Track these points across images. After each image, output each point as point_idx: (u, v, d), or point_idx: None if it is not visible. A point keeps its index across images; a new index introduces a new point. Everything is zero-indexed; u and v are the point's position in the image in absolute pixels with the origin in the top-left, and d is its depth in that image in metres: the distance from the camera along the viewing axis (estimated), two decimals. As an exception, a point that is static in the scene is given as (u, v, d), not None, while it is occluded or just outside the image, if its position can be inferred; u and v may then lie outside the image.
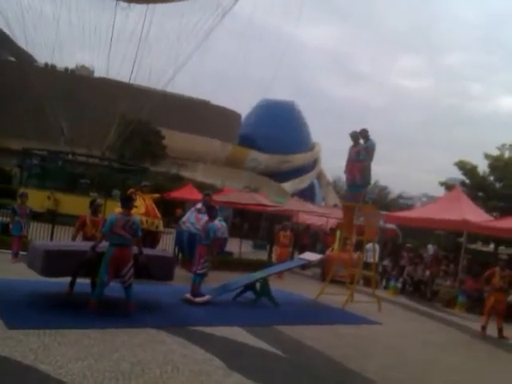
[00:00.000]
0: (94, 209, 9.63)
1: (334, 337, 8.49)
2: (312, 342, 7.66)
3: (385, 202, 56.69)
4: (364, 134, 12.15)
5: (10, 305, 7.35)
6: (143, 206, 11.81)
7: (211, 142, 59.83)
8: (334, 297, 11.64)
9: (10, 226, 11.83)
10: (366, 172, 11.91)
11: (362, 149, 11.97)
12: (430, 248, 21.33)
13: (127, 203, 7.92)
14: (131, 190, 12.19)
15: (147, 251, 8.36)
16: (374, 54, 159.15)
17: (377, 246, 14.94)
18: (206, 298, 9.45)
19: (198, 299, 9.30)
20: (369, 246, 14.71)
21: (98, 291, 7.62)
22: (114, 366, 5.42)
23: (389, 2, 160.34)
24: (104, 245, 7.69)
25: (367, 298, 12.50)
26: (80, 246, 8.24)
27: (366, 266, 14.67)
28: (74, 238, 9.47)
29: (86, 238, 9.25)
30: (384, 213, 20.32)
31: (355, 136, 12.26)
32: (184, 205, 27.53)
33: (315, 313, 10.39)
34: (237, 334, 7.51)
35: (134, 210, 11.49)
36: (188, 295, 9.42)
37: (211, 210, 10.17)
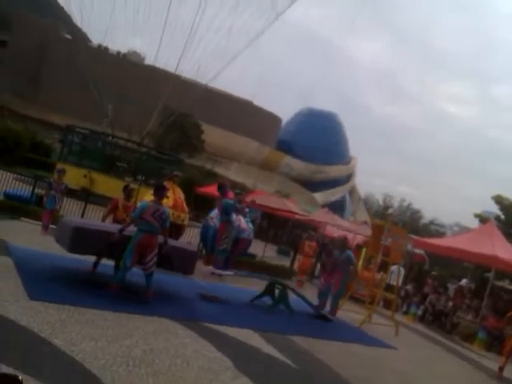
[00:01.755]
0: (127, 194, 9.78)
1: (347, 355, 8.38)
2: (323, 357, 7.57)
3: (416, 225, 55.70)
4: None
5: (33, 276, 7.49)
6: (172, 198, 11.87)
7: (248, 143, 60.07)
8: (352, 314, 11.51)
9: (45, 198, 12.06)
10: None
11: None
12: (464, 281, 20.76)
13: (160, 192, 8.02)
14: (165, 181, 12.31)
15: (172, 242, 8.41)
16: (422, 75, 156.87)
17: (402, 270, 14.71)
18: (227, 272, 9.61)
19: (218, 271, 9.42)
20: (394, 268, 14.49)
21: (120, 274, 7.71)
22: (126, 351, 5.47)
23: (444, 24, 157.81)
24: (131, 229, 7.79)
25: (385, 321, 12.30)
26: (108, 228, 8.33)
27: (389, 287, 14.45)
28: (104, 219, 9.61)
29: (116, 221, 9.40)
30: (414, 237, 19.98)
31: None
32: (214, 201, 27.68)
33: (330, 327, 10.27)
34: (250, 337, 7.48)
35: (164, 201, 11.70)
36: (211, 267, 9.51)
37: (222, 189, 10.25)
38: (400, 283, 14.63)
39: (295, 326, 9.28)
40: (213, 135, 52.01)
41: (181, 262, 8.46)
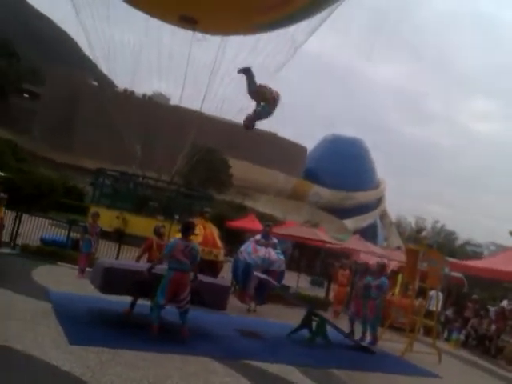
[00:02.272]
0: (158, 233, 9.93)
1: (390, 386, 8.18)
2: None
3: (451, 247, 54.45)
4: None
5: (72, 320, 7.59)
6: (201, 235, 11.82)
7: (275, 175, 60.32)
8: (392, 344, 11.25)
9: (80, 242, 12.30)
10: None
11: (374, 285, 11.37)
12: (505, 303, 20.07)
13: (187, 230, 8.09)
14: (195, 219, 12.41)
15: (202, 277, 8.40)
16: (444, 95, 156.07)
17: (440, 294, 14.36)
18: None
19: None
20: (432, 293, 14.16)
21: (154, 314, 7.75)
22: (167, 393, 5.48)
23: (461, 43, 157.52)
24: (161, 267, 7.88)
25: (427, 349, 11.97)
26: (139, 267, 8.40)
27: (428, 314, 14.08)
28: (138, 259, 9.70)
29: (150, 261, 9.50)
30: (450, 259, 19.54)
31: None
32: (244, 235, 27.73)
33: (371, 359, 10.05)
34: (290, 373, 7.37)
35: (193, 238, 11.76)
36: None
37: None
38: (439, 308, 14.25)
39: (335, 359, 9.10)
40: (240, 169, 52.50)
41: (212, 298, 8.44)
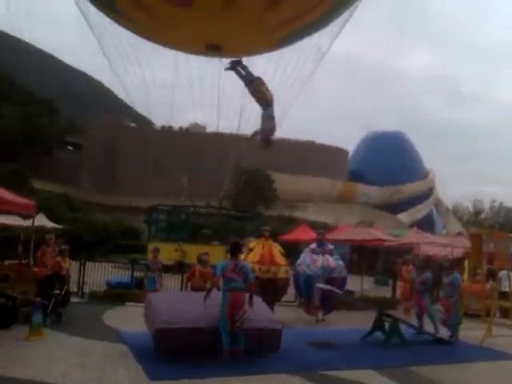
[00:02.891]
0: (201, 260, 10.08)
1: (474, 375, 7.94)
2: (451, 383, 7.23)
3: (512, 224, 52.40)
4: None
5: (148, 357, 7.72)
6: (258, 254, 11.81)
7: (320, 181, 60.06)
8: (469, 332, 10.92)
9: (145, 281, 12.54)
10: None
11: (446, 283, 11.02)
12: None
13: (234, 250, 8.16)
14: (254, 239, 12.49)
15: (255, 323, 7.98)
16: (475, 74, 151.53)
17: (511, 274, 13.82)
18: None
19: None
20: (502, 273, 13.65)
21: (224, 340, 7.66)
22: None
23: (481, 20, 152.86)
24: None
25: (507, 331, 11.53)
26: (196, 322, 7.84)
27: (502, 296, 13.57)
28: (186, 287, 9.75)
29: (193, 289, 9.68)
30: (514, 237, 18.80)
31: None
32: (299, 246, 27.66)
33: (450, 351, 9.78)
34: (371, 377, 7.30)
35: (248, 258, 11.84)
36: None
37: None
38: (513, 289, 13.71)
39: (414, 357, 8.91)
40: (284, 182, 52.61)
41: (265, 343, 8.10)
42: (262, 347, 8.03)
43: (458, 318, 10.82)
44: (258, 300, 8.37)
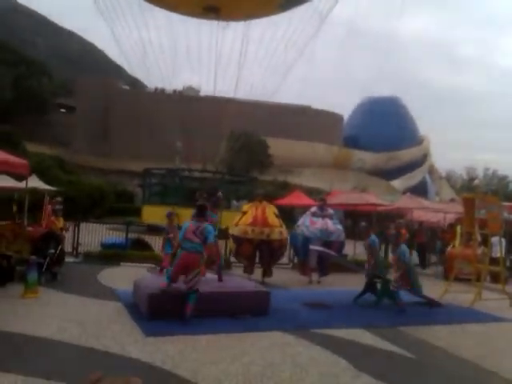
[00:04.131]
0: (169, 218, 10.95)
1: (464, 336, 8.10)
2: (441, 343, 7.39)
3: (506, 192, 52.74)
4: None
5: (142, 314, 7.84)
6: (251, 216, 11.93)
7: (315, 147, 59.87)
8: (460, 295, 11.11)
9: (162, 243, 12.52)
10: None
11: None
12: None
13: (198, 213, 8.10)
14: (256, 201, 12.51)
15: (239, 287, 8.40)
16: (475, 38, 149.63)
17: (503, 240, 13.99)
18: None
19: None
20: (494, 239, 13.82)
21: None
22: (246, 369, 5.63)
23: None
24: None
25: (497, 295, 11.75)
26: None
27: (493, 261, 13.78)
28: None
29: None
30: (507, 204, 18.97)
31: None
32: (293, 211, 27.78)
33: (440, 312, 9.97)
34: (361, 335, 7.45)
35: (242, 221, 11.89)
36: None
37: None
38: (503, 254, 13.91)
39: (405, 317, 9.10)
40: (279, 147, 52.43)
41: (253, 305, 8.28)
42: (250, 310, 8.12)
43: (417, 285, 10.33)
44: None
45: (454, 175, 75.08)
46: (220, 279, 8.96)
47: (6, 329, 6.61)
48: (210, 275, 9.02)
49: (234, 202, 19.55)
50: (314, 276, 12.80)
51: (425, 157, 69.15)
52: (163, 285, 7.97)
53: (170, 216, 12.68)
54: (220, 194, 9.47)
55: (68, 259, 12.59)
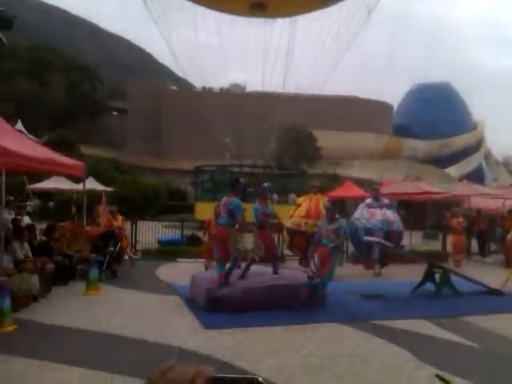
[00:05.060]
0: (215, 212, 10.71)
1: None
2: (504, 332, 7.13)
3: None
4: None
5: (201, 308, 7.96)
6: (305, 208, 11.84)
7: (364, 137, 58.81)
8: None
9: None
10: None
11: None
12: None
13: (230, 187, 8.35)
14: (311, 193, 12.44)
15: (295, 280, 8.39)
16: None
17: None
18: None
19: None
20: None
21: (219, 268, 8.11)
22: (305, 361, 5.63)
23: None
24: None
25: None
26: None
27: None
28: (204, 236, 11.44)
29: (210, 235, 10.77)
30: None
31: None
32: (344, 204, 27.44)
33: (503, 301, 9.60)
34: (422, 326, 7.29)
35: (296, 213, 11.83)
36: None
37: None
38: None
39: (466, 307, 8.82)
40: (328, 139, 51.87)
41: (310, 297, 8.11)
42: (307, 303, 8.05)
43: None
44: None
45: (511, 160, 72.06)
46: (276, 272, 8.99)
47: (71, 325, 6.89)
48: (266, 268, 9.04)
49: (291, 196, 19.50)
50: (377, 268, 12.59)
51: (479, 142, 66.64)
52: (220, 276, 8.08)
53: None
54: (266, 184, 9.36)
55: (126, 256, 12.95)
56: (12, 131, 9.69)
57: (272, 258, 8.86)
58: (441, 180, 43.27)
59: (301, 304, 7.78)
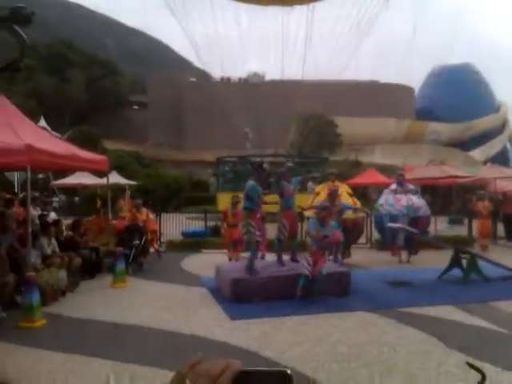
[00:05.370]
0: (233, 203, 11.16)
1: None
2: (536, 317, 7.02)
3: None
4: None
5: (227, 299, 8.02)
6: (323, 196, 11.74)
7: (386, 122, 58.12)
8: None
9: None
10: None
11: None
12: None
13: (254, 172, 8.88)
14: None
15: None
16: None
17: None
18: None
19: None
20: None
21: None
22: (332, 349, 5.63)
23: None
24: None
25: None
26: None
27: None
28: (222, 226, 11.80)
29: (228, 226, 11.19)
30: None
31: None
32: (367, 190, 27.24)
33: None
34: (449, 312, 7.21)
35: (317, 198, 11.78)
36: None
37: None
38: None
39: (494, 292, 8.69)
40: (348, 126, 51.36)
41: (334, 286, 8.18)
42: (331, 291, 8.05)
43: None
44: None
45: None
46: (293, 258, 8.93)
47: (99, 317, 7.01)
48: (286, 258, 9.01)
49: (309, 184, 19.38)
50: (404, 255, 12.43)
51: (503, 124, 65.22)
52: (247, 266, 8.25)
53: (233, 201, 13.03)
54: (289, 165, 9.55)
55: (152, 249, 13.08)
56: (36, 128, 9.84)
57: (292, 238, 8.87)
58: (465, 163, 42.59)
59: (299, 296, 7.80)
